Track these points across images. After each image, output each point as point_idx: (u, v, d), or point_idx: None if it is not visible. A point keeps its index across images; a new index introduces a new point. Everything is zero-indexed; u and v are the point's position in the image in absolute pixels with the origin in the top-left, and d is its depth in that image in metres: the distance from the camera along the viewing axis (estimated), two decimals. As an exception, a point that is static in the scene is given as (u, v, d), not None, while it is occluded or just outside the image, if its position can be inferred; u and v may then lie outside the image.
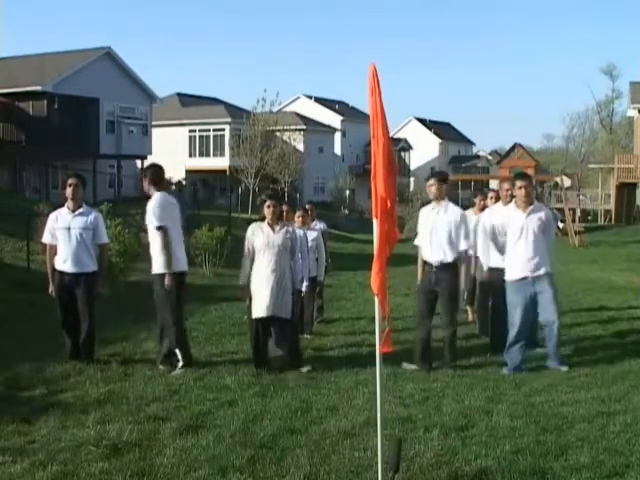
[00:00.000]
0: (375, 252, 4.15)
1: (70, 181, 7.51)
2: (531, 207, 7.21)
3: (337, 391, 6.41)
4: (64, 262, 7.39)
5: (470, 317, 10.35)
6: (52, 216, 7.59)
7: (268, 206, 7.17)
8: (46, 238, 7.53)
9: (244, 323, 10.14)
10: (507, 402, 6.01)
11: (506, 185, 8.27)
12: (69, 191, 7.46)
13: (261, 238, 7.16)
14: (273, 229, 7.18)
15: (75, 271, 7.38)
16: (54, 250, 7.48)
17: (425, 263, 7.46)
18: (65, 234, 7.38)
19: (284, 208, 8.22)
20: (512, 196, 7.82)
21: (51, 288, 7.49)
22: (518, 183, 7.27)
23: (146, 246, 7.41)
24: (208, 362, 7.60)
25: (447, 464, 4.59)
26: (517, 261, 7.19)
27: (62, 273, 7.42)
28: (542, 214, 7.27)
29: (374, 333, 4.27)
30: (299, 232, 8.23)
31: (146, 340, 8.76)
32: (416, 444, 4.92)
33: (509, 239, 7.28)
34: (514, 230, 7.20)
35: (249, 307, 7.28)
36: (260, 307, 7.13)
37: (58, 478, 4.40)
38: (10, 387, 6.52)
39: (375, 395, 4.28)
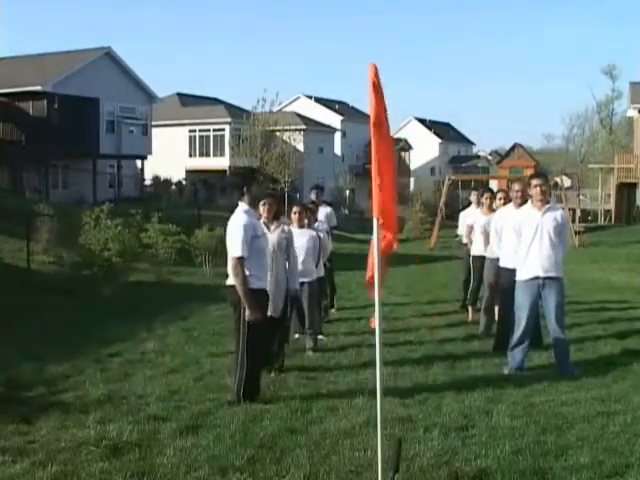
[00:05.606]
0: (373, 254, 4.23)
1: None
2: (547, 206, 7.12)
3: (337, 391, 6.41)
4: (264, 279, 6.37)
5: (470, 317, 10.34)
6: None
7: (264, 204, 6.98)
8: (244, 250, 6.04)
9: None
10: (507, 402, 6.01)
11: (517, 186, 8.06)
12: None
13: None
14: (268, 228, 7.12)
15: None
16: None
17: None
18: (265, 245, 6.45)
19: (295, 209, 8.28)
20: (523, 197, 7.75)
21: (254, 313, 5.95)
22: (533, 182, 7.18)
23: (146, 246, 7.39)
24: (208, 362, 7.61)
25: (447, 464, 4.59)
26: (529, 260, 7.10)
27: (264, 292, 6.33)
28: (558, 214, 7.18)
29: (374, 333, 4.27)
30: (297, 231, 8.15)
31: (146, 340, 8.77)
32: (416, 444, 4.92)
33: (523, 238, 7.17)
34: (529, 229, 7.11)
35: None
36: None
37: (58, 478, 4.41)
38: (10, 387, 6.53)
39: (375, 395, 4.29)
